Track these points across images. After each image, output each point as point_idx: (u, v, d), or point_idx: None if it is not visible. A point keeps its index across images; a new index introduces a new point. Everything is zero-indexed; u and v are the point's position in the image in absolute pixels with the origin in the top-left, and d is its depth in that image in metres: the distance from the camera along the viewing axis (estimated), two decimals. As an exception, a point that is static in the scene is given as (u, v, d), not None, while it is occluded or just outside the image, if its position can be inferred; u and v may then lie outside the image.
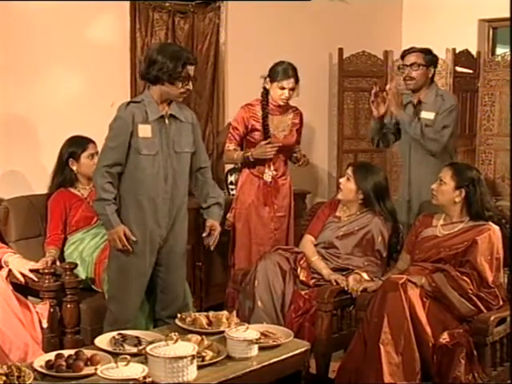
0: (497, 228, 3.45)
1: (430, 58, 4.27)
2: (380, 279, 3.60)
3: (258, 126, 4.26)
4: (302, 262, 3.77)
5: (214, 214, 3.67)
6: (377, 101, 4.27)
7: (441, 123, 4.16)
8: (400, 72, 4.37)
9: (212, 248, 3.68)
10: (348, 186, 3.89)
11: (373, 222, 3.84)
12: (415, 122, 4.15)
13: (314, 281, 3.76)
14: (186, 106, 3.71)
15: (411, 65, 4.23)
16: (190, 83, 3.48)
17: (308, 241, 3.97)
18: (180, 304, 3.59)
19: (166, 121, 3.48)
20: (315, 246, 3.92)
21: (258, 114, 4.27)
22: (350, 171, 3.91)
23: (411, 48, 4.35)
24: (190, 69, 3.45)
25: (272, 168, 4.31)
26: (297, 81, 4.21)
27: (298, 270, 3.74)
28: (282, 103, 4.26)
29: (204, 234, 3.66)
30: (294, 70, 4.21)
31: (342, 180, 3.95)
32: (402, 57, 4.34)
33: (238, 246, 4.36)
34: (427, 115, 4.19)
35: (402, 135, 4.37)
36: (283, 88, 4.19)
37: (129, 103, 3.49)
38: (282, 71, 4.18)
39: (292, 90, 4.21)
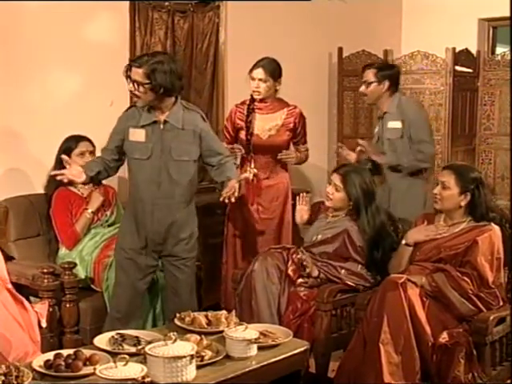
0: (497, 228, 3.41)
1: (382, 73, 4.32)
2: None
3: (243, 124, 4.20)
4: (294, 255, 3.67)
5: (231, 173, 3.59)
6: (343, 154, 4.56)
7: (415, 137, 4.26)
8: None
9: (233, 199, 3.49)
10: (338, 196, 3.74)
11: (346, 231, 3.70)
12: (406, 157, 4.24)
13: (300, 280, 3.64)
14: (194, 110, 3.60)
15: (364, 82, 4.37)
16: None
17: None
18: (186, 308, 3.58)
19: (161, 126, 3.47)
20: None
21: (245, 113, 4.20)
22: (337, 181, 3.73)
23: (367, 65, 4.49)
24: None
25: (252, 166, 4.19)
26: (269, 74, 4.10)
27: (289, 263, 3.64)
28: (255, 96, 4.16)
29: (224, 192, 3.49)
30: (272, 64, 4.13)
31: (329, 190, 3.77)
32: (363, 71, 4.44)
33: (227, 244, 4.34)
34: (393, 124, 4.31)
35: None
36: (253, 79, 4.13)
37: (130, 106, 3.61)
38: (255, 62, 4.14)
39: (264, 82, 4.11)
